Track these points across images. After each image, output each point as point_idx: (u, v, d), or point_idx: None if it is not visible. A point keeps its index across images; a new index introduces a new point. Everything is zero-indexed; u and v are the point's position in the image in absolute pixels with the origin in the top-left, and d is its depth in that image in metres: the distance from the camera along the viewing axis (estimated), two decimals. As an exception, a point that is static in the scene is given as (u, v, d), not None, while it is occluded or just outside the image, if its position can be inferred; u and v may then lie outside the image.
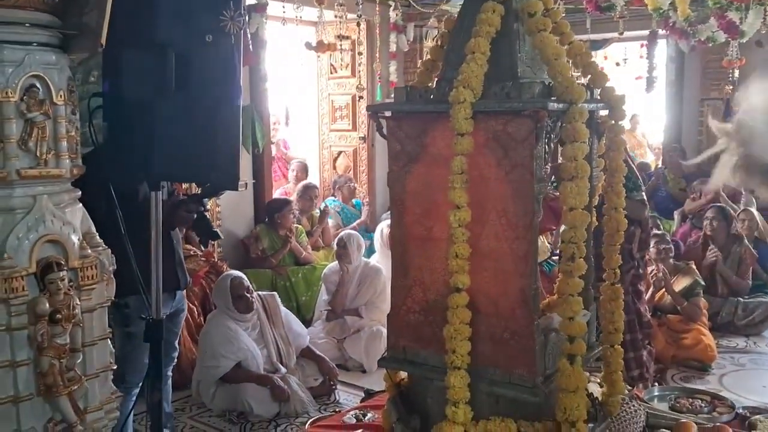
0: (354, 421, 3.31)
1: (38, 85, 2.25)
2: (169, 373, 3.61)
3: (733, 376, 4.82)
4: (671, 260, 5.52)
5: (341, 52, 6.03)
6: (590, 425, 1.91)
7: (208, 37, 2.71)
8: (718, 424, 2.79)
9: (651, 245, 5.31)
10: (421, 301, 1.94)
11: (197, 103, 2.71)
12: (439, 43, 2.04)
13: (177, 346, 3.68)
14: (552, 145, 1.78)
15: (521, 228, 1.76)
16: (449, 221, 1.75)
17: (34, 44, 2.23)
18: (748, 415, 2.98)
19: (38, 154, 2.26)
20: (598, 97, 1.98)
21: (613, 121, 2.00)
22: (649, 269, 5.34)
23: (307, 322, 5.40)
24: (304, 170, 7.39)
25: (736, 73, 7.15)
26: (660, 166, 8.27)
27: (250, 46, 5.44)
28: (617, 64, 9.33)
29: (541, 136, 1.70)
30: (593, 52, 8.81)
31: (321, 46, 5.90)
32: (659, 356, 4.83)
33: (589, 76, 1.93)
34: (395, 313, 2.03)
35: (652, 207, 6.93)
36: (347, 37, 6.34)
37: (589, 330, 2.06)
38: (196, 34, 2.69)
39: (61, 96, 2.33)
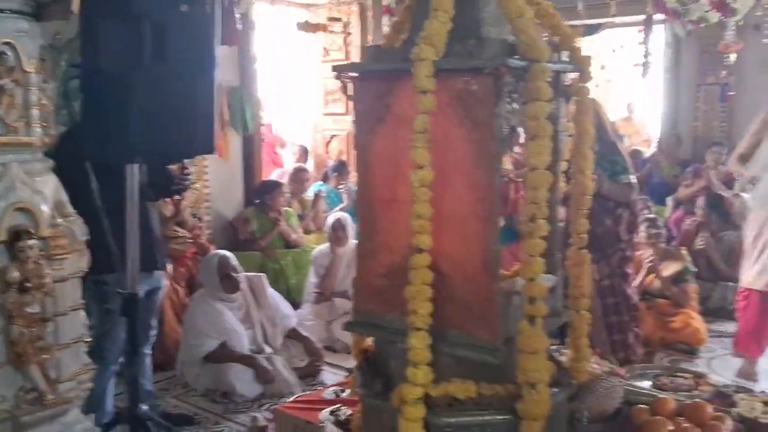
0: (333, 396, 3.31)
1: (8, 52, 2.24)
2: (148, 351, 3.61)
3: (722, 359, 4.81)
4: (662, 245, 5.51)
5: (333, 34, 6.00)
6: (554, 390, 1.89)
7: (184, 7, 2.71)
8: (697, 400, 2.77)
9: (642, 229, 5.30)
10: (387, 264, 1.93)
11: (174, 75, 2.71)
12: (407, 3, 2.01)
13: (155, 325, 3.68)
14: (516, 105, 1.75)
15: (483, 189, 1.74)
16: (411, 181, 1.73)
17: (6, 11, 2.21)
18: (730, 393, 2.96)
19: (8, 121, 2.25)
20: (567, 60, 1.96)
21: (581, 84, 1.98)
22: (639, 252, 5.32)
23: (297, 306, 5.39)
24: (303, 154, 7.39)
25: (733, 58, 7.09)
26: (654, 152, 8.23)
27: (240, 26, 5.42)
28: (613, 50, 9.30)
29: (502, 94, 1.68)
30: (588, 38, 8.77)
31: (312, 26, 5.88)
32: (648, 339, 4.82)
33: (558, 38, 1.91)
34: (361, 278, 2.02)
35: (646, 193, 6.91)
36: (339, 20, 6.31)
37: (556, 296, 2.04)
38: (172, 5, 2.68)
39: (32, 64, 2.32)
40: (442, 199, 1.77)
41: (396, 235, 1.88)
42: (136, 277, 2.94)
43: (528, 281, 1.74)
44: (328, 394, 3.39)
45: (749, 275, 4.38)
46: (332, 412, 3.03)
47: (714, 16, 5.26)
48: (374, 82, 1.89)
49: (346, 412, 2.95)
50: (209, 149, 2.87)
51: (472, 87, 1.70)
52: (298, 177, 6.44)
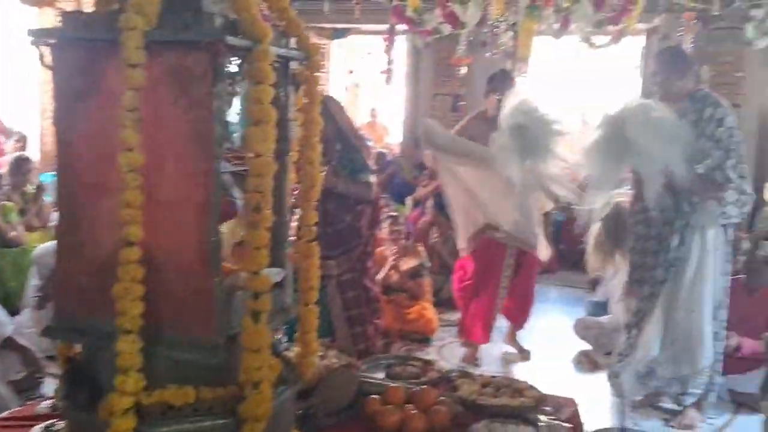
0: (48, 410, 2.96)
1: None
2: None
3: (451, 347, 5.20)
4: (402, 241, 5.80)
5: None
6: (281, 388, 1.82)
7: None
8: (424, 387, 2.89)
9: (385, 226, 5.54)
10: (94, 260, 1.71)
11: None
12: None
13: None
14: (239, 87, 1.66)
15: (200, 175, 1.61)
16: (119, 165, 1.55)
17: None
18: (453, 378, 3.15)
19: None
20: (294, 46, 1.90)
21: (308, 72, 1.94)
22: (382, 248, 5.56)
23: (16, 312, 4.80)
24: (24, 142, 6.62)
25: (464, 71, 7.74)
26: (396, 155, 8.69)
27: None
28: (361, 56, 9.65)
29: (221, 73, 1.58)
30: (335, 41, 9.01)
31: (39, 1, 5.26)
32: (387, 331, 5.03)
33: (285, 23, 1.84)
34: (62, 276, 1.78)
35: (389, 193, 7.25)
36: (69, -5, 5.73)
37: (284, 291, 1.98)
38: None
39: None
40: (156, 186, 1.61)
41: (104, 226, 1.67)
42: None
43: (251, 275, 1.65)
44: (42, 408, 3.03)
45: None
46: (46, 428, 2.70)
47: (446, 28, 5.66)
48: (78, 52, 1.66)
49: (61, 427, 2.63)
50: None
51: (187, 63, 1.56)
52: (20, 168, 5.74)
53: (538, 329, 5.29)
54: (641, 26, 7.41)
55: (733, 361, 4.17)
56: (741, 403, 4.28)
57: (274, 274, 1.81)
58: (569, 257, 7.34)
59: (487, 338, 4.86)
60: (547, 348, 5.17)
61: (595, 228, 4.24)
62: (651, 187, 3.58)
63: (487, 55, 6.20)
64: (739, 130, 3.75)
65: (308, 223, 1.96)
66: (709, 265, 3.79)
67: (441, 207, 6.29)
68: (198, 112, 1.58)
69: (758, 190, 4.78)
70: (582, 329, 5.22)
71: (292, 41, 1.88)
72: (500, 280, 4.72)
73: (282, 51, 1.79)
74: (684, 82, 3.81)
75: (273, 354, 1.81)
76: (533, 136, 4.15)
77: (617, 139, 3.55)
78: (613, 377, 4.10)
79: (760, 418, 4.08)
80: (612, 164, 3.60)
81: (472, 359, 4.81)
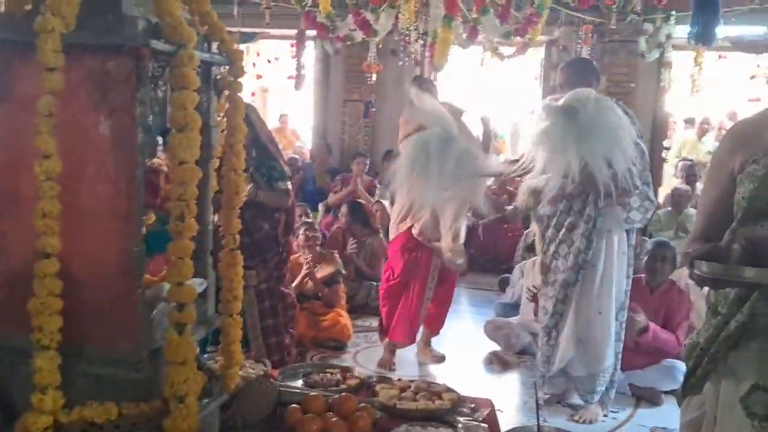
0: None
1: None
2: None
3: (366, 352, 5.20)
4: (317, 248, 5.76)
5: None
6: (205, 401, 1.78)
7: None
8: (344, 394, 2.89)
9: (300, 233, 5.48)
10: (5, 272, 1.63)
11: None
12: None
13: None
14: (161, 91, 1.61)
15: (122, 182, 1.56)
16: (35, 173, 1.47)
17: None
18: (373, 383, 3.16)
19: None
20: (217, 51, 1.87)
21: (231, 78, 1.91)
22: (297, 255, 5.50)
23: None
24: None
25: (374, 78, 7.83)
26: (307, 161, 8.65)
27: None
28: (269, 61, 9.56)
29: (144, 78, 1.53)
30: (244, 45, 8.89)
31: None
32: (301, 339, 4.98)
33: (207, 27, 1.81)
34: (-30, 290, 1.67)
35: (301, 199, 7.20)
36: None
37: (207, 301, 1.94)
38: None
39: None
40: (75, 193, 1.55)
41: (17, 236, 1.59)
42: None
43: (175, 286, 1.61)
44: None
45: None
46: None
47: (358, 36, 5.70)
48: (-11, 54, 1.58)
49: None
50: None
51: (108, 67, 1.51)
52: None
53: (449, 332, 5.38)
54: (541, 38, 7.72)
55: (633, 357, 4.39)
56: (641, 397, 4.51)
57: (198, 285, 1.77)
58: (478, 260, 7.52)
59: (412, 339, 4.89)
60: (459, 350, 5.27)
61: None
62: (598, 176, 3.55)
63: (400, 63, 6.29)
64: (642, 139, 3.93)
65: (232, 232, 1.93)
66: (614, 269, 3.96)
67: (354, 213, 6.30)
68: (120, 118, 1.52)
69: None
70: (492, 330, 5.35)
71: (214, 46, 1.85)
72: (427, 280, 4.77)
73: (206, 56, 1.76)
74: None
75: (197, 366, 1.77)
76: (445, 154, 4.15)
77: (569, 126, 3.56)
78: (541, 378, 4.22)
79: (661, 409, 4.35)
80: (561, 152, 3.58)
81: (389, 364, 4.84)
